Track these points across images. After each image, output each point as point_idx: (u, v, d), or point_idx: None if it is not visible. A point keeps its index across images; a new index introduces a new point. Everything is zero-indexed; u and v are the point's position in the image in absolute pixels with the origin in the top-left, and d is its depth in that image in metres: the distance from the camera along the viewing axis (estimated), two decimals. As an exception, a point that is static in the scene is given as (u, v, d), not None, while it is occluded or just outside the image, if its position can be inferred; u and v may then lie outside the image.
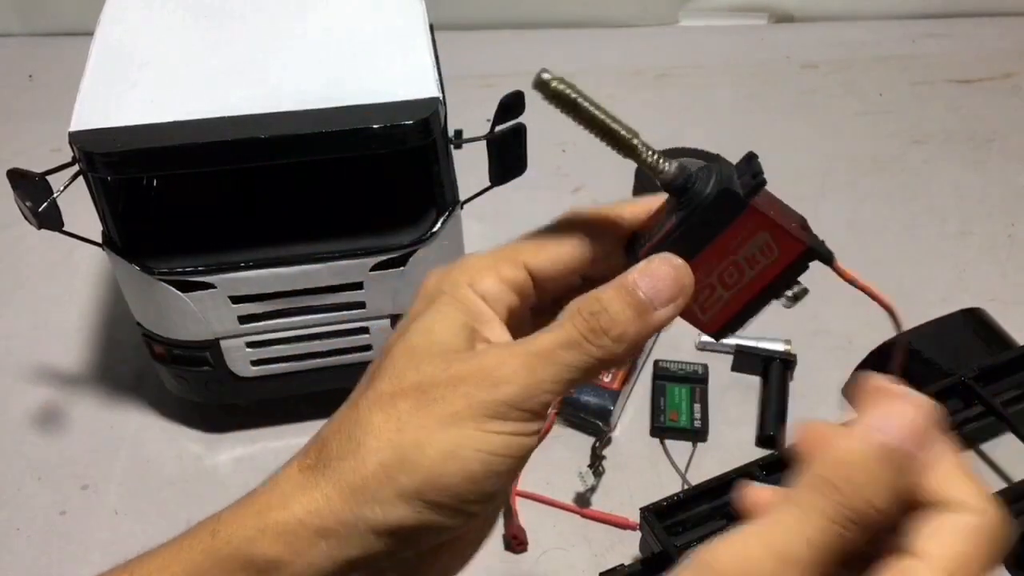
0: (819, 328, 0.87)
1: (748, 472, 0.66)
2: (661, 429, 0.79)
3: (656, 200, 0.35)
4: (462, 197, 0.73)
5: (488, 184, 0.72)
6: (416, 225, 0.72)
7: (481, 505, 0.31)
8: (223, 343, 0.73)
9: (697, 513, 0.67)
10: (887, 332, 0.91)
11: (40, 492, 0.77)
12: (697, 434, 0.78)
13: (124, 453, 0.80)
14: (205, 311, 0.70)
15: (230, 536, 0.31)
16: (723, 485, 0.67)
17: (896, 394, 0.28)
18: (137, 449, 0.80)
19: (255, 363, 0.75)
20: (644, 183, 1.02)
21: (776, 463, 0.68)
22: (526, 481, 0.75)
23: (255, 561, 0.30)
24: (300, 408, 0.81)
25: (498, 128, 0.68)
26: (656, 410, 0.80)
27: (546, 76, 0.34)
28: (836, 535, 0.26)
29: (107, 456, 0.79)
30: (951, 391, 0.73)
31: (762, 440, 0.78)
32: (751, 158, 0.34)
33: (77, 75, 0.68)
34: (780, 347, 0.83)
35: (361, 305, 0.72)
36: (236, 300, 0.70)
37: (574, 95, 0.35)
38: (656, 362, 0.83)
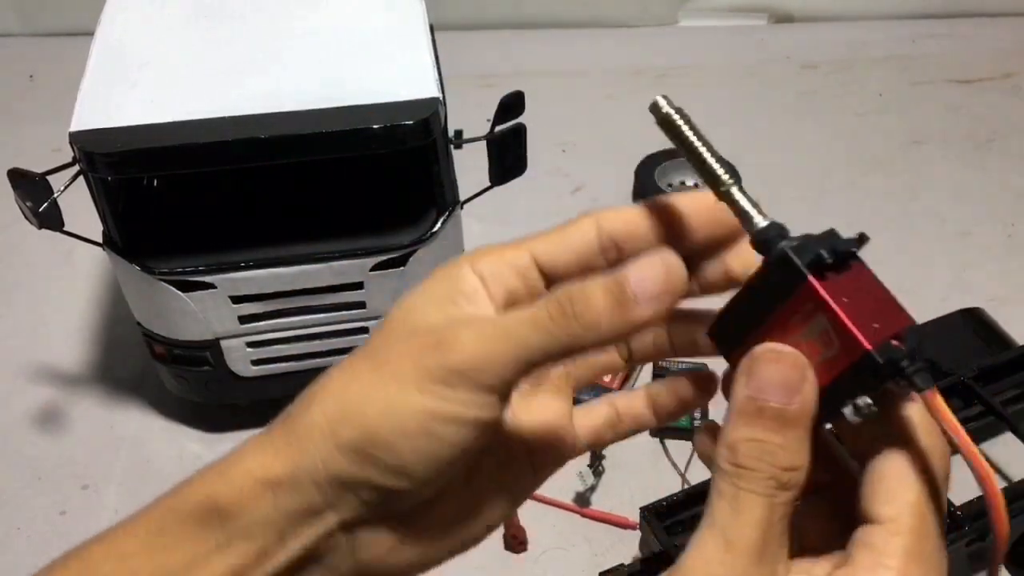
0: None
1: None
2: (661, 429, 0.79)
3: (671, 203, 0.33)
4: (462, 197, 0.73)
5: (488, 184, 0.72)
6: (416, 225, 0.72)
7: (425, 470, 0.30)
8: (223, 343, 0.73)
9: (697, 513, 0.66)
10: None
11: (40, 492, 0.77)
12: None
13: (124, 453, 0.80)
14: (205, 311, 0.70)
15: (189, 493, 0.31)
16: (723, 485, 0.67)
17: (759, 355, 0.30)
18: (137, 449, 0.80)
19: (255, 363, 0.75)
20: (644, 184, 1.02)
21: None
22: (526, 481, 0.75)
23: (210, 514, 0.31)
24: (300, 408, 0.82)
25: (498, 128, 0.68)
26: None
27: (661, 101, 0.33)
28: (772, 506, 0.28)
29: (107, 456, 0.79)
30: (951, 391, 0.73)
31: (762, 440, 0.78)
32: (861, 238, 0.31)
33: (77, 75, 0.68)
34: (780, 347, 0.83)
35: (361, 305, 0.73)
36: (236, 300, 0.70)
37: (682, 124, 0.33)
38: (656, 362, 0.83)
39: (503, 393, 0.30)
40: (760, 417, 0.29)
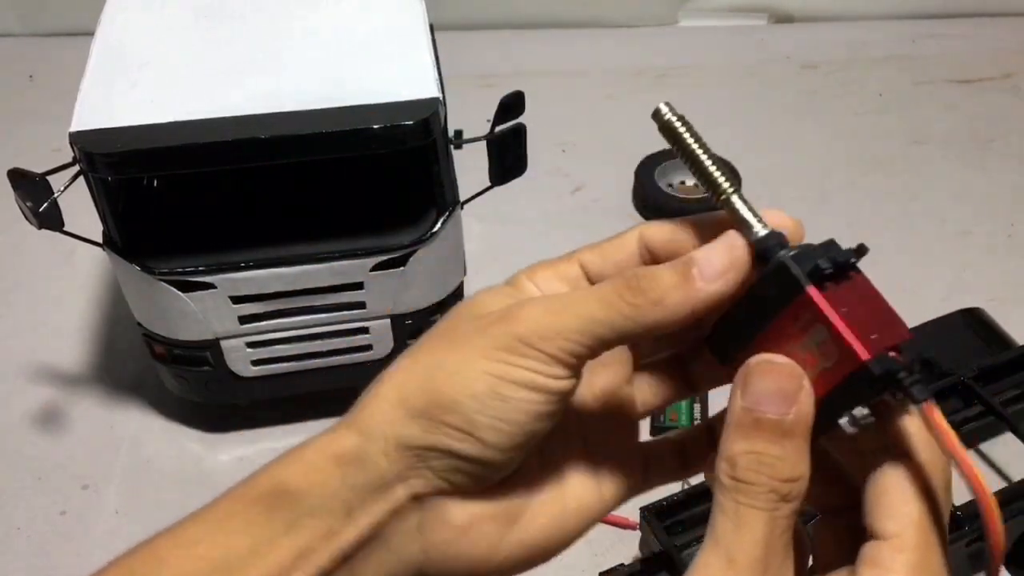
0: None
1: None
2: (661, 429, 0.79)
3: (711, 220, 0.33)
4: (462, 197, 0.73)
5: (488, 184, 0.72)
6: (416, 225, 0.72)
7: (495, 435, 0.30)
8: (223, 343, 0.73)
9: (697, 513, 0.67)
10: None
11: (40, 492, 0.77)
12: (697, 434, 0.78)
13: (124, 453, 0.80)
14: (205, 311, 0.70)
15: (257, 479, 0.32)
16: (723, 485, 0.67)
17: (754, 367, 0.30)
18: (137, 449, 0.80)
19: (255, 363, 0.75)
20: (644, 184, 1.02)
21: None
22: (526, 481, 0.75)
23: (279, 496, 0.31)
24: (300, 408, 0.82)
25: (498, 128, 0.68)
26: (656, 410, 0.80)
27: (663, 108, 0.33)
28: (774, 519, 0.28)
29: (107, 456, 0.79)
30: (951, 391, 0.73)
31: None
32: (860, 249, 0.31)
33: (77, 75, 0.68)
34: (780, 347, 0.83)
35: (361, 305, 0.73)
36: (236, 300, 0.70)
37: (683, 131, 0.33)
38: (656, 362, 0.83)
39: (570, 365, 0.30)
40: (757, 429, 0.29)
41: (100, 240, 0.69)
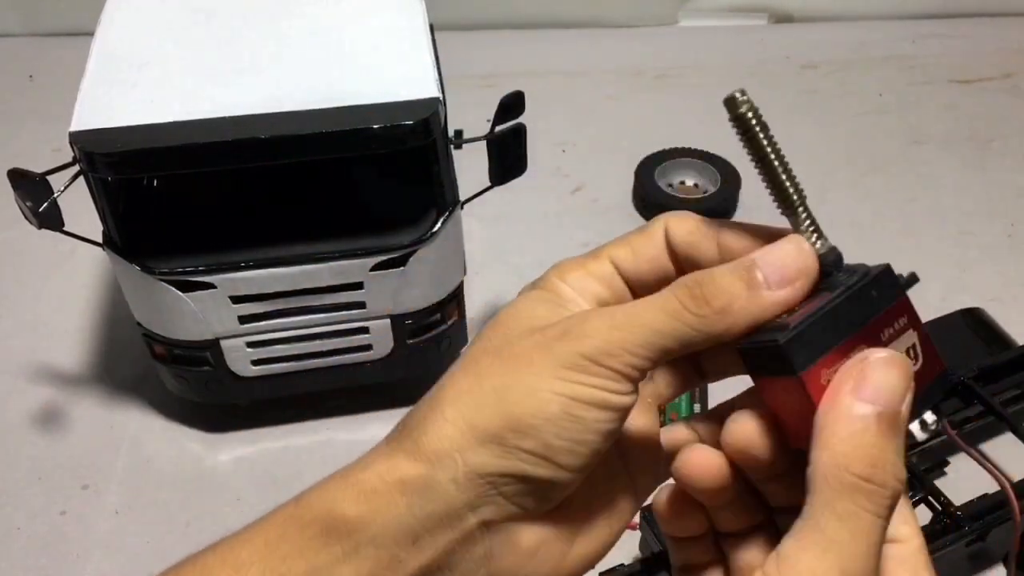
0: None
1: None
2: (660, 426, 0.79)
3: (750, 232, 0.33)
4: (462, 197, 0.73)
5: (488, 184, 0.72)
6: (416, 225, 0.72)
7: (571, 457, 0.29)
8: (223, 343, 0.73)
9: (697, 513, 0.67)
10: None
11: (40, 492, 0.77)
12: (697, 434, 0.78)
13: (124, 453, 0.80)
14: (205, 311, 0.70)
15: (312, 502, 0.31)
16: (723, 485, 0.67)
17: (875, 361, 0.28)
18: (137, 449, 0.80)
19: (255, 363, 0.75)
20: (644, 184, 1.02)
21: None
22: (526, 481, 0.75)
23: (336, 522, 0.30)
24: (300, 408, 0.82)
25: (498, 128, 0.68)
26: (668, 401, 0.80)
27: (739, 96, 0.31)
28: (883, 528, 0.27)
29: (107, 456, 0.79)
30: (951, 391, 0.73)
31: (762, 440, 0.78)
32: (912, 278, 0.32)
33: (77, 75, 0.68)
34: (780, 347, 0.83)
35: (361, 305, 0.73)
36: (236, 300, 0.70)
37: (757, 128, 0.32)
38: (656, 362, 0.83)
39: (634, 379, 0.30)
40: (879, 424, 0.27)
41: (100, 240, 0.69)
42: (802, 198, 0.31)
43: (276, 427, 0.81)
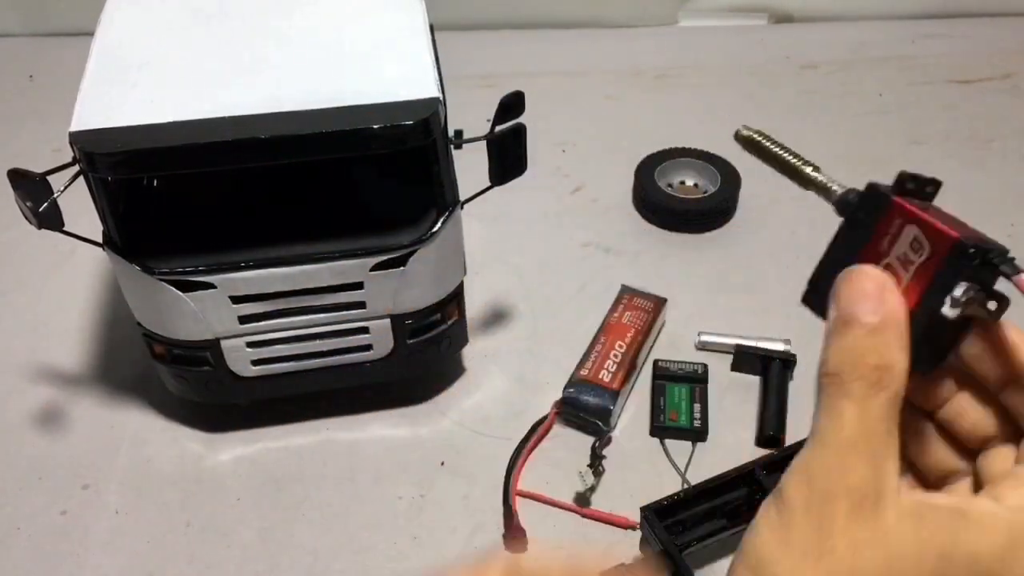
0: (819, 327, 0.86)
1: (748, 472, 0.67)
2: (661, 429, 0.79)
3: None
4: (462, 197, 0.73)
5: (488, 184, 0.72)
6: (416, 225, 0.72)
7: None
8: (223, 343, 0.73)
9: (697, 512, 0.67)
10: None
11: (40, 492, 0.77)
12: (697, 434, 0.78)
13: (124, 453, 0.80)
14: (205, 311, 0.70)
15: None
16: (723, 484, 0.67)
17: (840, 280, 0.32)
18: (138, 449, 0.80)
19: (255, 363, 0.75)
20: (644, 184, 1.02)
21: (776, 463, 0.68)
22: (526, 481, 0.75)
23: None
24: (300, 408, 0.82)
25: (498, 128, 0.68)
26: (656, 410, 0.80)
27: (742, 130, 0.40)
28: (865, 407, 0.29)
29: (107, 456, 0.79)
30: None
31: (762, 440, 0.78)
32: (935, 180, 0.35)
33: (77, 75, 0.68)
34: (780, 347, 0.84)
35: (361, 305, 0.73)
36: (236, 300, 0.70)
37: (763, 140, 0.42)
38: (656, 362, 0.83)
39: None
40: (849, 327, 0.30)
41: (100, 240, 0.69)
42: (816, 167, 0.38)
43: (276, 427, 0.81)
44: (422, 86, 0.67)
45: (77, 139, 0.63)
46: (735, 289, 0.93)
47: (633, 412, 0.82)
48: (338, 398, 0.82)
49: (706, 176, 1.05)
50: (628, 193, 1.06)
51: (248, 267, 0.69)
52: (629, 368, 0.81)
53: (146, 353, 0.76)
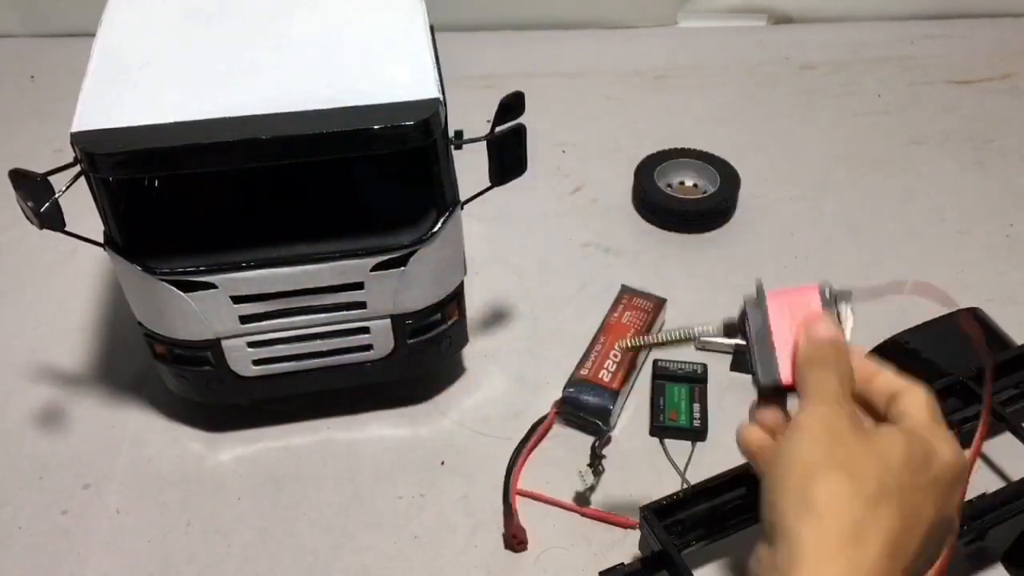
0: (818, 328, 0.87)
1: (747, 471, 0.67)
2: (660, 428, 0.79)
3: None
4: (462, 197, 0.73)
5: (488, 184, 0.72)
6: (416, 225, 0.72)
7: None
8: (224, 343, 0.73)
9: (697, 512, 0.67)
10: (885, 331, 0.91)
11: (41, 491, 0.77)
12: (696, 433, 0.78)
13: (125, 452, 0.80)
14: (206, 311, 0.70)
15: None
16: (723, 484, 0.67)
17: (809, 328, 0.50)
18: (138, 448, 0.80)
19: (256, 363, 0.75)
20: (644, 184, 1.03)
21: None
22: (526, 480, 0.75)
23: None
24: (301, 408, 0.82)
25: (498, 129, 0.69)
26: (655, 409, 0.80)
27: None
28: (837, 388, 0.48)
29: (108, 455, 0.80)
30: (949, 390, 0.73)
31: (761, 439, 0.78)
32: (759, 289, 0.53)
33: (79, 76, 0.68)
34: (779, 347, 0.84)
35: (362, 305, 0.73)
36: (237, 300, 0.70)
37: (640, 344, 0.63)
38: (655, 361, 0.83)
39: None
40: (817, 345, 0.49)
41: (101, 240, 0.69)
42: (692, 330, 0.57)
43: (276, 427, 0.81)
44: (422, 87, 0.67)
45: (78, 139, 0.63)
46: (735, 289, 0.93)
47: (633, 412, 0.82)
48: (338, 398, 0.82)
49: (705, 176, 1.05)
50: (628, 193, 1.06)
51: (249, 267, 0.69)
52: (629, 368, 0.81)
53: (147, 353, 0.76)
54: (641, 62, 1.31)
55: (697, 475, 0.70)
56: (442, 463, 0.78)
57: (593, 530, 0.73)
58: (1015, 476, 0.73)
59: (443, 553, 0.72)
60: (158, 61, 0.70)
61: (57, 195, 0.63)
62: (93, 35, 0.73)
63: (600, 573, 0.64)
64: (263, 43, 0.72)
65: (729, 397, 0.82)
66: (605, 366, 0.81)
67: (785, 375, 0.50)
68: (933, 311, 0.83)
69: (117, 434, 0.81)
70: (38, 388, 0.86)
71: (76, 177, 0.64)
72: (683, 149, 1.07)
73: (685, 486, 0.70)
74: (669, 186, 1.04)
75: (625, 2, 1.38)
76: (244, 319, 0.72)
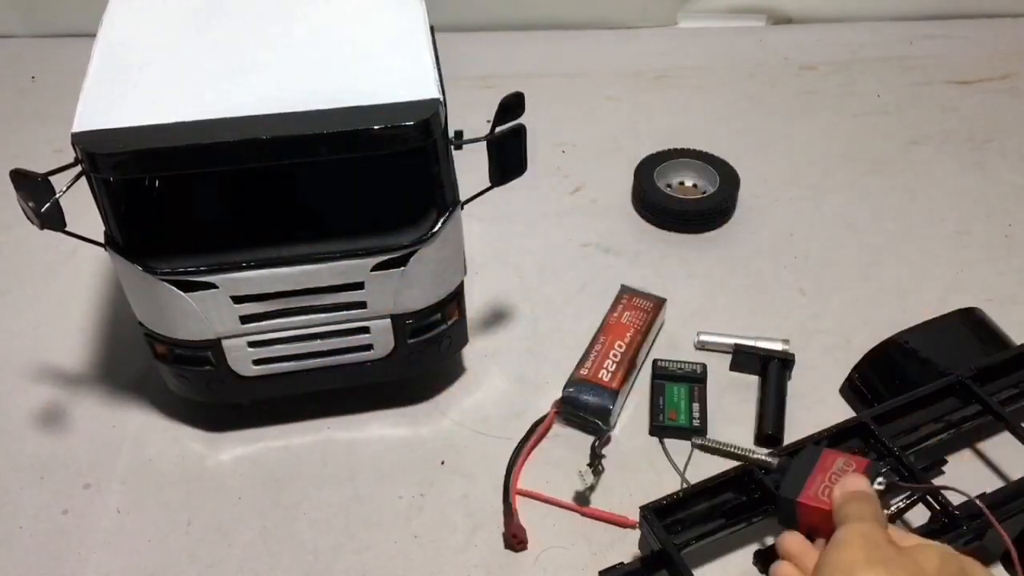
0: (817, 328, 0.87)
1: (746, 471, 0.67)
2: (660, 428, 0.79)
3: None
4: (462, 197, 0.74)
5: (488, 184, 0.72)
6: (416, 225, 0.72)
7: None
8: (225, 343, 0.73)
9: (696, 511, 0.67)
10: (884, 332, 0.91)
11: (42, 491, 0.77)
12: (696, 433, 0.78)
13: (126, 452, 0.80)
14: (207, 311, 0.70)
15: None
16: (722, 484, 0.67)
17: (844, 481, 0.57)
18: (139, 448, 0.80)
19: (256, 362, 0.75)
20: (644, 184, 1.03)
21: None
22: (526, 480, 0.76)
23: None
24: (301, 408, 0.82)
25: (498, 129, 0.69)
26: (655, 409, 0.80)
27: (696, 440, 0.66)
28: (874, 513, 0.54)
29: (109, 455, 0.80)
30: (948, 390, 0.73)
31: (761, 439, 0.79)
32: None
33: (79, 76, 0.68)
34: (778, 346, 0.84)
35: (362, 305, 0.73)
36: (238, 300, 0.70)
37: (716, 446, 0.67)
38: (655, 361, 0.83)
39: None
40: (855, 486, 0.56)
41: (102, 240, 0.69)
42: (756, 452, 0.66)
43: (276, 427, 0.81)
44: (422, 87, 0.67)
45: (79, 140, 0.63)
46: (734, 289, 0.93)
47: (632, 411, 0.82)
48: (338, 398, 0.82)
49: (705, 177, 1.05)
50: (627, 193, 1.06)
51: (249, 267, 0.69)
52: (628, 368, 0.81)
53: (147, 353, 0.76)
54: (641, 62, 1.32)
55: (697, 475, 0.70)
56: (442, 463, 0.79)
57: (593, 530, 0.73)
58: (1014, 476, 0.74)
59: (443, 553, 0.72)
60: (158, 61, 0.70)
61: (58, 195, 0.63)
62: (93, 36, 0.73)
63: (600, 572, 0.64)
64: (263, 43, 0.72)
65: (728, 397, 0.83)
66: (605, 366, 0.81)
67: (804, 497, 0.58)
68: (931, 311, 0.83)
69: (118, 434, 0.82)
70: (39, 388, 0.86)
71: (77, 177, 0.64)
72: (683, 149, 1.07)
73: (685, 486, 0.70)
74: (669, 186, 1.04)
75: (625, 2, 1.38)
76: (244, 319, 0.72)
